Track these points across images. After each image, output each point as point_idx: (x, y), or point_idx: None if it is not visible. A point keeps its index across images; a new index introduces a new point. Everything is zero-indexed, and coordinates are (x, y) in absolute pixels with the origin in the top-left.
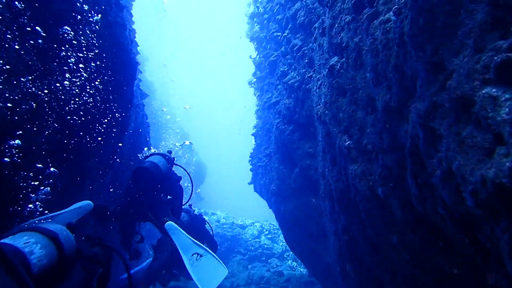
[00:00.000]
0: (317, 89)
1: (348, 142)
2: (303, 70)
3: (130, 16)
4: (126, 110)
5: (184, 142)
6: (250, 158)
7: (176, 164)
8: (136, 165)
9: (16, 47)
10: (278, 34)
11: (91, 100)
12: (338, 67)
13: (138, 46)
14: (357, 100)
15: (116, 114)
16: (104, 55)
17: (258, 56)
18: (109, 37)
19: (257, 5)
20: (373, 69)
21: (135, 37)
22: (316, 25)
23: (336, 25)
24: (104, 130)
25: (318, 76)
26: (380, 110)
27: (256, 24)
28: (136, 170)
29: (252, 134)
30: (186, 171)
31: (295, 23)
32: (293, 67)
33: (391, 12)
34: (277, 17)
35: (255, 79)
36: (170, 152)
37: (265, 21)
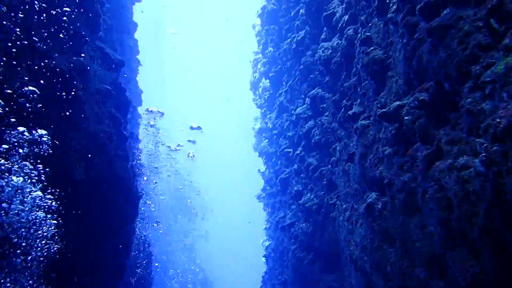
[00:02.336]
0: (346, 222)
1: None
2: (322, 193)
3: (136, 140)
4: (124, 252)
5: (192, 126)
6: (262, 284)
7: None
8: None
9: None
10: (289, 150)
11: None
12: (379, 207)
13: (144, 166)
14: (413, 255)
15: (113, 258)
16: (102, 193)
17: (267, 171)
18: (108, 172)
19: (266, 121)
20: (441, 224)
21: (140, 159)
22: (338, 148)
23: (371, 156)
24: (94, 275)
25: (345, 206)
26: (460, 280)
27: (264, 139)
28: None
29: (264, 256)
30: None
31: (309, 141)
32: (309, 187)
33: (477, 161)
34: (288, 133)
35: (264, 194)
36: None
37: (275, 137)
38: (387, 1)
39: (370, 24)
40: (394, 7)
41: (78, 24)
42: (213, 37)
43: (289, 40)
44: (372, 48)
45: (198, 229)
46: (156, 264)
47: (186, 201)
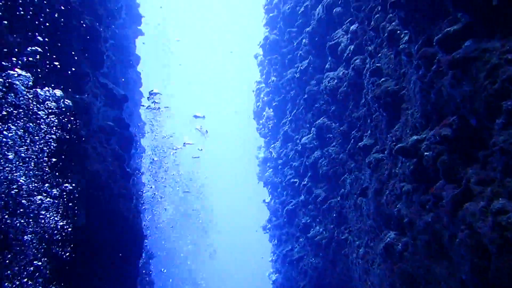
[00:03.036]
0: (360, 260)
1: None
2: (331, 226)
3: (140, 174)
4: None
5: (196, 114)
6: None
7: None
8: None
9: None
10: (295, 180)
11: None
12: (399, 248)
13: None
14: None
15: None
16: (104, 235)
17: (272, 201)
18: (111, 214)
19: (270, 150)
20: (475, 273)
21: (143, 203)
22: (348, 180)
23: (387, 192)
24: None
25: (358, 243)
26: None
27: (269, 168)
28: None
29: None
30: None
31: (317, 172)
32: (318, 220)
33: None
34: (293, 163)
35: (270, 225)
36: None
37: (280, 167)
38: (398, 31)
39: (379, 55)
40: (406, 38)
41: (82, 62)
42: (217, 43)
43: (292, 69)
44: (383, 79)
45: (205, 246)
46: (163, 269)
47: (192, 211)
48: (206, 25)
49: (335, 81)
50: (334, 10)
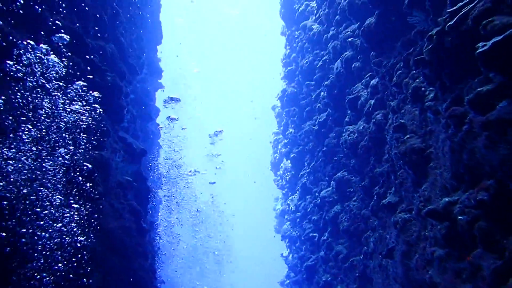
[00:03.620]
0: None
1: None
2: (354, 287)
3: (155, 228)
4: None
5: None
6: None
7: None
8: None
9: None
10: (314, 235)
11: None
12: None
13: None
14: None
15: None
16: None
17: (291, 255)
18: (124, 273)
19: (288, 202)
20: None
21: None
22: (371, 239)
23: (417, 256)
24: None
25: None
26: None
27: (286, 221)
28: None
29: None
30: None
31: (337, 227)
32: (339, 279)
33: None
34: (313, 217)
35: (288, 281)
36: None
37: (298, 220)
38: (423, 88)
39: (402, 111)
40: (432, 95)
41: (102, 119)
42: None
43: (310, 121)
44: (408, 136)
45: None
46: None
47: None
48: (226, 67)
49: (355, 135)
50: (353, 65)
